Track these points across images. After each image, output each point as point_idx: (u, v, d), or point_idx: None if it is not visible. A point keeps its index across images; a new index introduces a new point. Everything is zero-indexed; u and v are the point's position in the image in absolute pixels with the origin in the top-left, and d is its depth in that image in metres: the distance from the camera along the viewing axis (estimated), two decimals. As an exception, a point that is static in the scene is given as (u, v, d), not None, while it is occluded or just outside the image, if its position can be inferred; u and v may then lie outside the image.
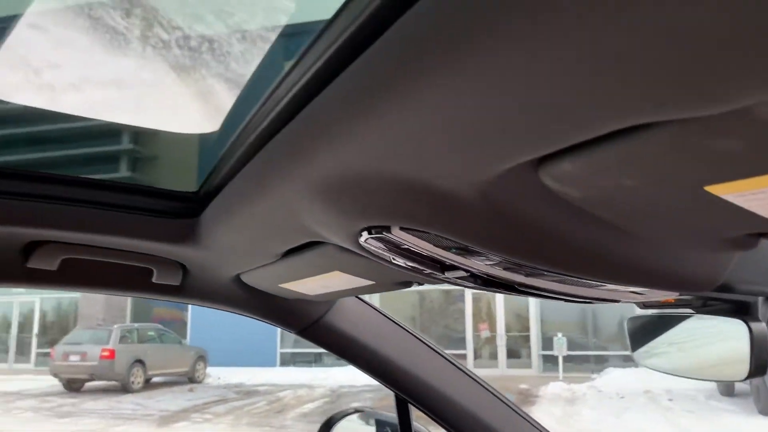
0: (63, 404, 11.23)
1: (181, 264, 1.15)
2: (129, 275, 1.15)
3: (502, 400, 1.43)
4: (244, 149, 0.73)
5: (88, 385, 13.16)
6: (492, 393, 1.43)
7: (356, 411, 1.72)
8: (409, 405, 1.45)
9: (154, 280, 1.15)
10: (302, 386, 12.95)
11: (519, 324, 16.61)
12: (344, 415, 1.71)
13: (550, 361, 15.47)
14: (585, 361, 15.54)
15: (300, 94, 0.55)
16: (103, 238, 1.06)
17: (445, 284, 0.86)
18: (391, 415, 1.54)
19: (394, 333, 1.39)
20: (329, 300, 1.27)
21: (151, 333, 14.49)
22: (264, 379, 14.35)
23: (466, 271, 0.65)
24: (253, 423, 9.63)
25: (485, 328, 16.58)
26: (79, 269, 1.12)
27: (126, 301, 18.09)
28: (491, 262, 0.60)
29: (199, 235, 1.02)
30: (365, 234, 0.62)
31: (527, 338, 16.38)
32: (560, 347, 14.50)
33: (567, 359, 14.68)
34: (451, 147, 0.43)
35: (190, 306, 17.52)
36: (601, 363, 15.35)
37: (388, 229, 0.59)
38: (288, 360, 17.45)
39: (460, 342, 16.15)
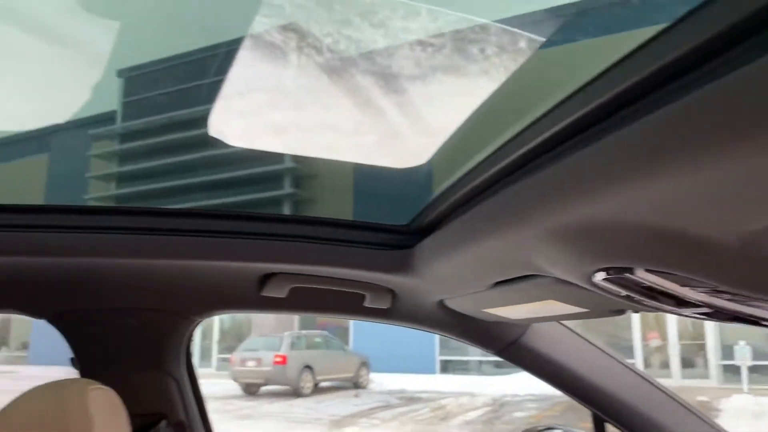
0: (243, 407, 12.17)
1: (391, 290, 1.24)
2: (344, 300, 1.27)
3: (702, 419, 1.38)
4: (473, 187, 0.79)
5: (263, 389, 14.12)
6: (692, 412, 1.38)
7: (548, 428, 1.72)
8: (606, 424, 1.43)
9: (366, 304, 1.26)
10: (464, 394, 12.96)
11: (693, 331, 15.41)
12: (538, 429, 1.72)
13: (730, 371, 14.17)
14: (774, 373, 14.05)
15: (553, 141, 0.59)
16: (325, 269, 1.18)
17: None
18: (585, 433, 1.53)
19: (588, 351, 1.39)
20: (528, 323, 1.31)
21: (317, 340, 15.25)
22: (425, 385, 14.54)
23: (709, 307, 0.66)
24: (418, 430, 9.81)
25: (655, 336, 15.58)
26: (303, 295, 1.26)
27: (293, 310, 19.21)
28: (739, 301, 0.60)
29: (411, 265, 1.11)
30: (602, 274, 0.65)
31: (702, 346, 15.13)
32: (743, 356, 13.24)
33: (752, 369, 13.37)
34: (727, 200, 0.45)
35: (351, 314, 18.24)
36: (794, 374, 13.80)
37: (630, 270, 0.61)
38: (446, 367, 17.55)
39: (628, 351, 15.30)
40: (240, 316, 20.23)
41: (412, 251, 1.09)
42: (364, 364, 15.50)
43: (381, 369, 15.87)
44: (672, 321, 15.41)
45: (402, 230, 1.14)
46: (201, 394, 1.39)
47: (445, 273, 1.05)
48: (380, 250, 1.14)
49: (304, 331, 16.17)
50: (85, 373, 1.24)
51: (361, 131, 1.18)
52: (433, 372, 17.16)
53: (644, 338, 15.64)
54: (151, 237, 1.12)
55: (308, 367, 14.16)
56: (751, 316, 0.66)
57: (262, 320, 18.39)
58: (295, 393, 13.74)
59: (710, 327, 15.02)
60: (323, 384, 14.72)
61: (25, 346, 22.59)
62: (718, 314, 0.68)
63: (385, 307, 1.28)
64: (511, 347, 1.34)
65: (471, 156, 0.82)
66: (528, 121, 0.64)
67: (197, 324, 1.35)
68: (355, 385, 15.12)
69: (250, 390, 13.94)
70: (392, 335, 16.72)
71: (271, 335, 15.34)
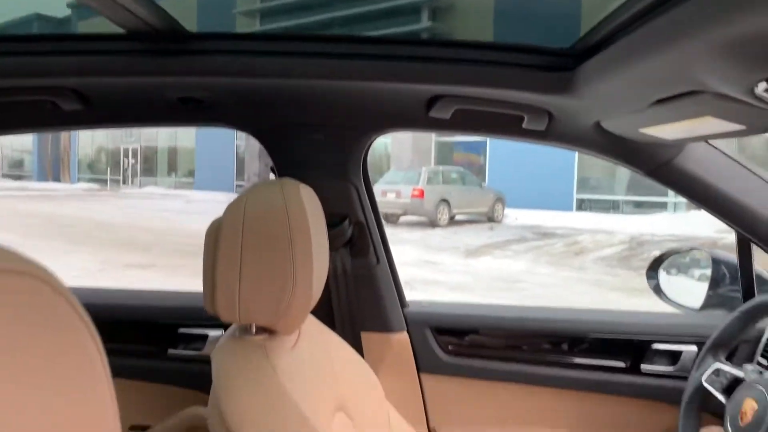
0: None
1: (548, 111, 1.33)
2: (503, 121, 1.38)
3: None
4: (644, 7, 0.84)
5: (402, 219, 14.96)
6: None
7: (691, 249, 1.80)
8: (752, 246, 1.49)
9: (524, 125, 1.36)
10: (600, 231, 12.96)
11: None
12: (677, 251, 1.80)
13: None
14: None
15: None
16: (488, 91, 1.29)
17: None
18: (730, 255, 1.60)
19: (739, 173, 1.41)
20: (682, 144, 1.35)
21: (454, 175, 15.61)
22: (560, 222, 14.64)
23: None
24: (551, 262, 10.09)
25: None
26: (466, 117, 1.38)
27: (431, 145, 19.59)
28: None
29: (572, 87, 1.18)
30: (765, 84, 0.71)
31: None
32: None
33: None
34: None
35: (488, 150, 18.29)
36: None
37: None
38: (583, 206, 17.44)
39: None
40: (379, 151, 20.98)
41: (573, 73, 1.16)
42: (499, 200, 15.77)
43: (517, 205, 16.08)
44: None
45: (564, 53, 1.20)
46: (375, 200, 1.61)
47: (606, 93, 1.12)
48: (541, 72, 1.22)
49: (441, 167, 16.56)
50: (282, 180, 1.49)
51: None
52: (569, 209, 17.15)
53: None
54: (340, 61, 1.28)
55: (444, 201, 14.69)
56: None
57: (400, 155, 18.98)
58: (432, 224, 14.45)
59: None
60: (459, 217, 15.27)
61: (191, 173, 25.20)
62: None
63: (542, 129, 1.38)
64: (662, 168, 1.40)
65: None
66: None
67: (373, 140, 1.54)
68: (490, 219, 15.54)
69: (391, 219, 14.82)
70: (528, 172, 16.69)
71: (409, 170, 15.89)
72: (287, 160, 1.53)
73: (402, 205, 14.54)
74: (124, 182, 27.05)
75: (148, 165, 27.22)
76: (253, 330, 0.99)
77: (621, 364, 1.57)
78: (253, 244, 0.92)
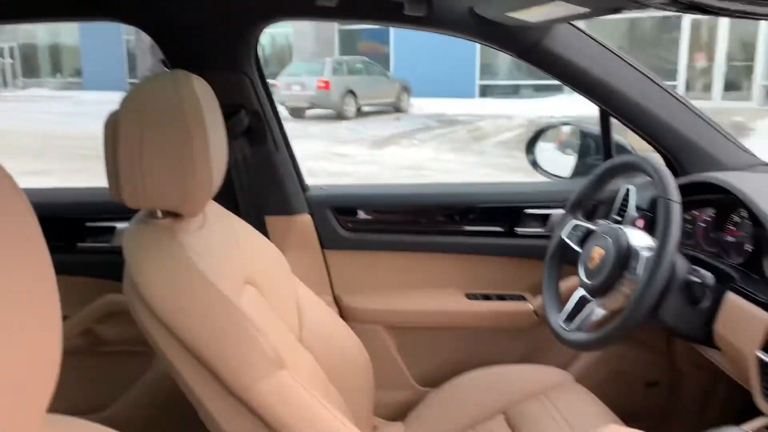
0: (290, 128, 12.84)
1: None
2: (386, 8, 1.46)
3: (710, 124, 1.60)
4: None
5: (309, 112, 14.77)
6: (699, 116, 1.59)
7: (564, 124, 1.99)
8: (610, 118, 1.68)
9: (405, 11, 1.44)
10: (501, 116, 13.39)
11: (744, 53, 14.94)
12: (551, 126, 1.99)
13: (773, 92, 14.05)
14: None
15: None
16: None
17: (653, 9, 1.03)
18: (595, 127, 1.79)
19: (602, 55, 1.57)
20: (547, 26, 1.48)
21: (359, 65, 15.42)
22: (463, 109, 14.97)
23: None
24: (455, 149, 10.44)
25: (701, 57, 15.21)
26: (350, 4, 1.45)
27: (334, 35, 19.09)
28: None
29: None
30: None
31: (751, 68, 14.82)
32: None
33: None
34: None
35: (392, 39, 18.07)
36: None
37: None
38: (486, 92, 17.81)
39: (671, 74, 15.14)
40: (281, 41, 20.24)
41: None
42: (405, 89, 15.83)
43: (421, 94, 16.22)
44: (722, 40, 14.91)
45: None
46: (270, 90, 1.67)
47: None
48: None
49: (345, 57, 16.28)
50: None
51: None
52: (472, 96, 17.49)
53: (691, 59, 15.32)
54: None
55: (350, 92, 14.58)
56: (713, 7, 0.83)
57: (302, 46, 18.43)
58: (339, 116, 14.39)
59: (762, 47, 14.54)
60: (365, 108, 15.26)
61: (78, 73, 23.46)
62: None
63: (422, 15, 1.46)
64: (531, 49, 1.53)
65: None
66: None
67: (262, 29, 1.58)
68: (396, 109, 15.64)
69: (297, 113, 14.62)
70: (432, 61, 16.73)
71: (313, 60, 15.53)
72: (177, 53, 1.55)
73: (308, 97, 14.31)
74: (4, 84, 24.90)
75: (30, 65, 25.09)
76: (159, 214, 1.06)
77: (500, 229, 1.77)
78: (151, 133, 0.97)
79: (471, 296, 1.77)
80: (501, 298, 1.77)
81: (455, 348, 1.79)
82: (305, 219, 1.72)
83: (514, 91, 17.33)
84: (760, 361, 1.10)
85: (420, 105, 15.83)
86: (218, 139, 1.07)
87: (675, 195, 1.20)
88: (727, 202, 1.35)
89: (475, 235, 1.78)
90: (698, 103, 1.65)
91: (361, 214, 1.79)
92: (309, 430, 0.94)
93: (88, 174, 7.24)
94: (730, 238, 1.34)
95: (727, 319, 1.20)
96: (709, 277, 1.23)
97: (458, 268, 1.78)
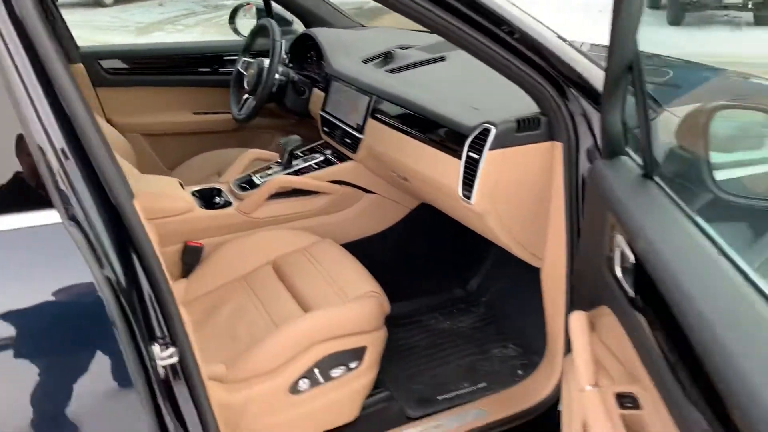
0: (44, 17, 12.08)
1: None
2: None
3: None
4: None
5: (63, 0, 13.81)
6: None
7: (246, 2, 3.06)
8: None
9: None
10: None
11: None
12: (242, 5, 3.05)
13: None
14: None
15: None
16: None
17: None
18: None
19: None
20: None
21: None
22: (228, -6, 14.98)
23: None
24: (221, 33, 10.84)
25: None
26: None
27: None
28: None
29: None
30: None
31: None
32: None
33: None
34: None
35: None
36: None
37: None
38: None
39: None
40: None
41: None
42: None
43: None
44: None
45: None
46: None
47: None
48: None
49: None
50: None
51: None
52: None
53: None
54: None
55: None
56: None
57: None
58: (96, 3, 13.70)
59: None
60: (126, -6, 14.62)
61: None
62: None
63: None
64: None
65: None
66: None
67: None
68: (160, -6, 15.15)
69: None
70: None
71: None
72: None
73: (58, -17, 13.34)
74: None
75: None
76: None
77: (209, 69, 2.87)
78: None
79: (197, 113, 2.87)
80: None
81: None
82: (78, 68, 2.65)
83: None
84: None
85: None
86: None
87: (279, 37, 2.37)
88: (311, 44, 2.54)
89: (198, 74, 2.87)
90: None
91: (129, 64, 2.77)
92: None
93: None
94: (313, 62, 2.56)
95: (312, 102, 2.44)
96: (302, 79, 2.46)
97: (189, 96, 2.86)
